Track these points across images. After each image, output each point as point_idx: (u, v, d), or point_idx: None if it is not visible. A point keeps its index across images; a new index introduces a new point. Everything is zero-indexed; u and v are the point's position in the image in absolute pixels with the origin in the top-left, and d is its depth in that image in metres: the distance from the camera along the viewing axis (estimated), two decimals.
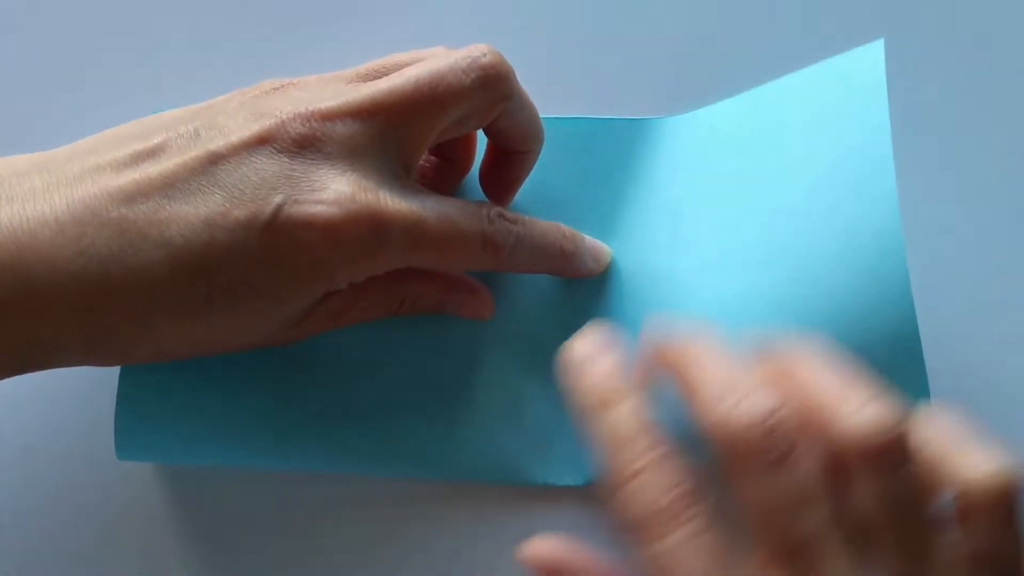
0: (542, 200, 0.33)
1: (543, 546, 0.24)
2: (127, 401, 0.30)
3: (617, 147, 0.33)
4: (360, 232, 0.26)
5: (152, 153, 0.26)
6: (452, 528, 0.31)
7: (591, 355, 0.25)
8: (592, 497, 0.31)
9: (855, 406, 0.22)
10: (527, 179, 0.32)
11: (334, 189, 0.26)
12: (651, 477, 0.22)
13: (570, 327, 0.32)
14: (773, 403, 0.21)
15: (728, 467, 0.22)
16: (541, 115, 0.31)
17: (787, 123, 0.31)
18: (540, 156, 0.32)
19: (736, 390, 0.22)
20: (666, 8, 0.35)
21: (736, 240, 0.31)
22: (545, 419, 0.31)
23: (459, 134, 0.29)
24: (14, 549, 0.31)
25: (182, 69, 0.35)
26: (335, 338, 0.31)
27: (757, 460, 0.21)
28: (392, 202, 0.26)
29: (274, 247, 0.25)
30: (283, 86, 0.28)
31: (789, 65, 0.32)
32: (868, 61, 0.30)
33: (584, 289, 0.32)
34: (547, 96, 0.32)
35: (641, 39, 0.35)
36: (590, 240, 0.32)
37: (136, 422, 0.30)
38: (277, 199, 0.25)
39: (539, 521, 0.31)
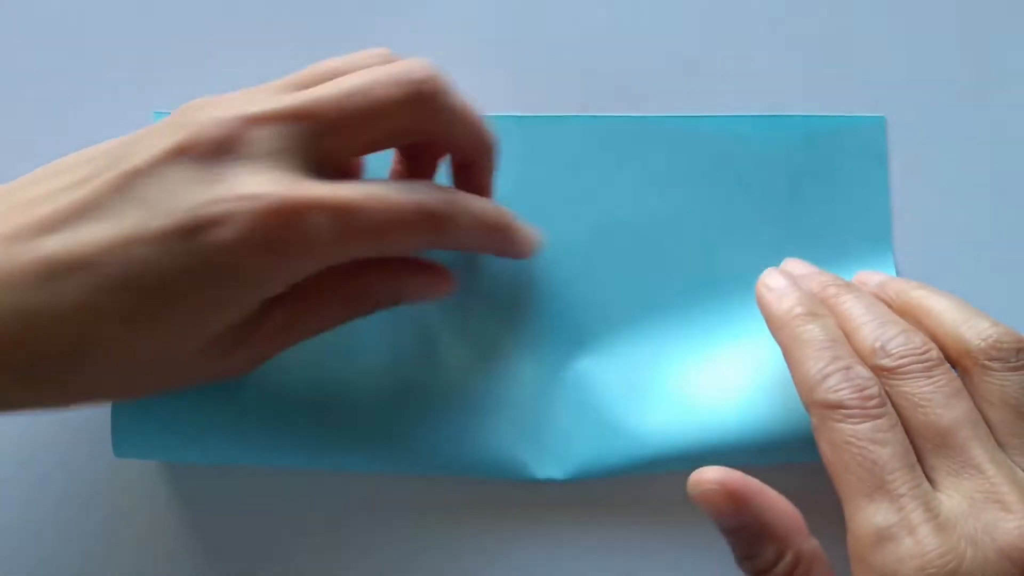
0: (534, 198, 0.33)
1: (716, 474, 0.26)
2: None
3: (610, 144, 0.33)
4: (281, 224, 0.25)
5: (77, 184, 0.25)
6: (448, 527, 0.32)
7: (791, 282, 0.29)
8: (576, 494, 0.32)
9: (986, 323, 0.27)
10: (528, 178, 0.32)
11: (251, 186, 0.25)
12: (859, 371, 0.26)
13: (561, 325, 0.33)
14: (923, 338, 0.27)
15: (885, 380, 0.26)
16: (542, 113, 0.31)
17: (785, 165, 0.33)
18: (533, 153, 0.32)
19: (891, 328, 0.27)
20: (667, 11, 0.35)
21: (722, 260, 0.33)
22: (530, 413, 0.32)
23: (394, 146, 0.29)
24: (11, 545, 0.31)
25: (182, 72, 0.35)
26: (328, 335, 0.30)
27: (912, 369, 0.26)
28: (313, 189, 0.25)
29: (195, 254, 0.24)
30: (210, 101, 0.27)
31: (790, 65, 0.32)
32: (870, 138, 0.33)
33: (572, 286, 0.33)
34: (551, 95, 0.33)
35: (640, 40, 0.35)
36: (523, 223, 0.31)
37: (133, 419, 0.30)
38: (193, 204, 0.24)
39: (527, 525, 0.32)
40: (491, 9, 0.35)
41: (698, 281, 0.33)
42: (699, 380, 0.32)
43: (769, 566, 0.26)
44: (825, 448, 0.26)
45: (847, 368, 0.26)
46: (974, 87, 0.35)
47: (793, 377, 0.27)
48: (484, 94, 0.33)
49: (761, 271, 0.31)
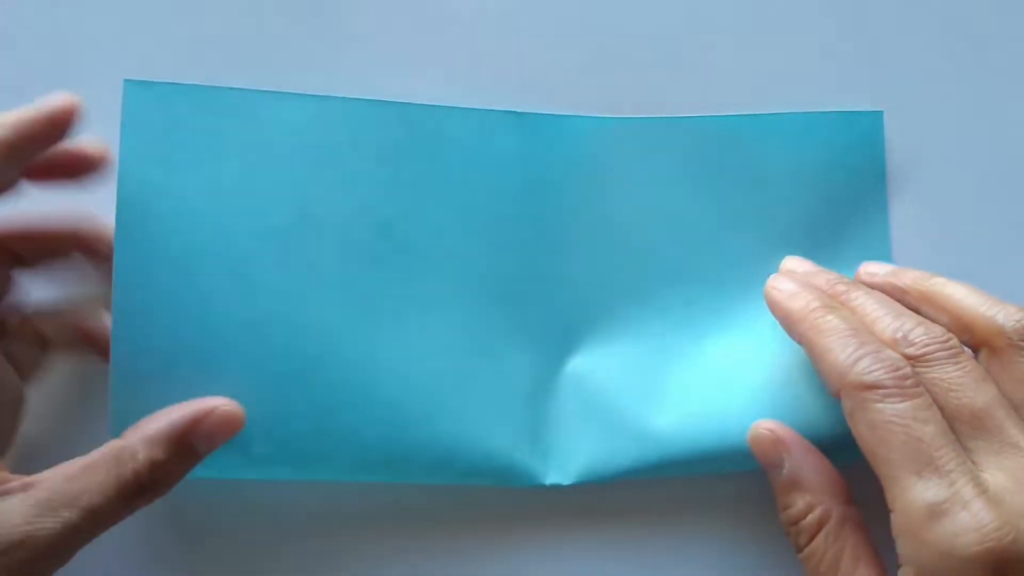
0: (534, 197, 0.33)
1: (772, 424, 0.29)
2: (121, 414, 0.30)
3: (609, 144, 0.33)
4: None
5: None
6: (454, 535, 0.31)
7: (800, 283, 0.29)
8: (583, 499, 0.31)
9: (1013, 308, 0.28)
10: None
11: None
12: (889, 353, 0.26)
13: (562, 329, 0.32)
14: (941, 328, 0.27)
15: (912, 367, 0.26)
16: (541, 111, 0.31)
17: (783, 161, 0.33)
18: (533, 152, 0.32)
19: (908, 320, 0.27)
20: (666, 11, 0.36)
21: (722, 259, 0.33)
22: (534, 419, 0.31)
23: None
24: None
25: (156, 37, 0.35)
26: (327, 344, 0.30)
27: (939, 356, 0.26)
28: None
29: None
30: None
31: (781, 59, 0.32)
32: (869, 132, 0.34)
33: (573, 287, 0.32)
34: (550, 94, 0.33)
35: (632, 43, 0.36)
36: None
37: (131, 421, 0.30)
38: None
39: (529, 531, 0.31)
40: (492, 7, 0.35)
41: (699, 280, 0.33)
42: (703, 381, 0.32)
43: (799, 517, 0.28)
44: (863, 430, 0.26)
45: (877, 351, 0.26)
46: (972, 81, 0.35)
47: (819, 366, 0.27)
48: (484, 92, 0.34)
49: (761, 268, 0.31)
